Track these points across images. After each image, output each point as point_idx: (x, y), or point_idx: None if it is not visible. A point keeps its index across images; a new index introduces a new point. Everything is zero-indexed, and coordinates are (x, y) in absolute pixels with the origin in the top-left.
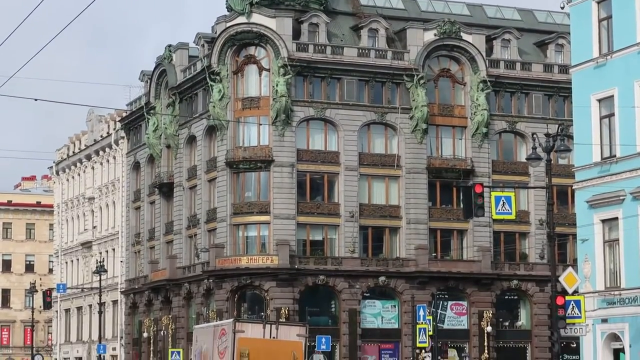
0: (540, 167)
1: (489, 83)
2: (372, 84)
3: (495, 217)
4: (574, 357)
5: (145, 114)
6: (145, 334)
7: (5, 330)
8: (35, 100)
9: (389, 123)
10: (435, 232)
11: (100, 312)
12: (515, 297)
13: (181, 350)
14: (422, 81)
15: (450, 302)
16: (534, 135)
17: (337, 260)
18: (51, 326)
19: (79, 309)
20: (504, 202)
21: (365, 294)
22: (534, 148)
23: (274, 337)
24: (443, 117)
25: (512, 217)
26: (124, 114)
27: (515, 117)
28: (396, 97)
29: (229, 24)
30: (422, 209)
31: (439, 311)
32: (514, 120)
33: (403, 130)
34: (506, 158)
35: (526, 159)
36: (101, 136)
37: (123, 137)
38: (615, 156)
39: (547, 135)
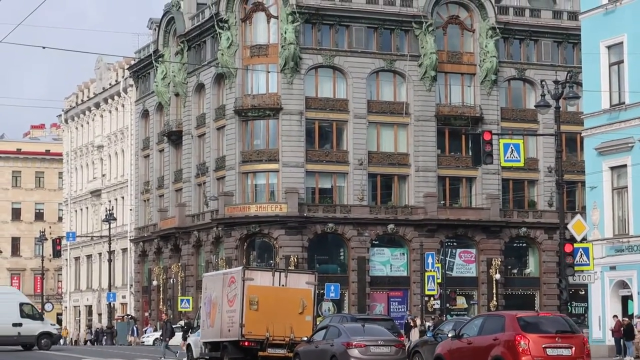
0: (549, 114)
1: (497, 30)
2: (381, 31)
3: (503, 164)
4: (582, 304)
5: (153, 61)
6: (154, 282)
7: (15, 278)
8: (44, 48)
9: (398, 70)
10: (444, 180)
11: (109, 260)
12: (524, 245)
13: (190, 298)
14: (430, 28)
15: (458, 250)
16: (543, 82)
17: (346, 208)
18: (61, 274)
19: (89, 257)
20: (512, 150)
21: (374, 242)
22: (543, 95)
23: (283, 285)
24: (452, 64)
25: (521, 164)
26: (133, 62)
27: (524, 64)
28: (405, 45)
29: None
30: (431, 156)
31: (448, 259)
32: (522, 68)
33: (412, 78)
34: (515, 105)
35: (535, 106)
36: (110, 84)
37: (132, 85)
38: (624, 103)
39: (556, 82)
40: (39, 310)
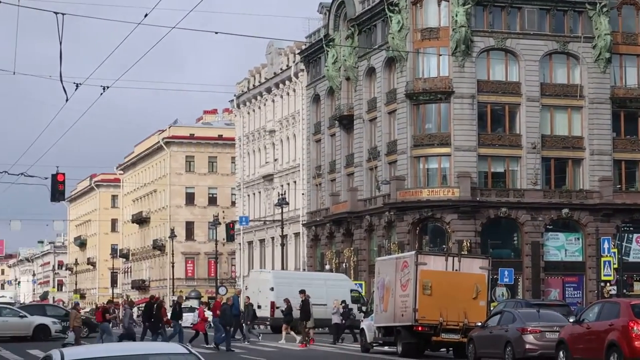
0: None
1: None
2: (554, 13)
3: None
4: None
5: (324, 46)
6: (327, 266)
7: (190, 262)
8: (216, 33)
9: (571, 52)
10: (620, 164)
11: (282, 245)
12: None
13: (363, 282)
14: (605, 9)
15: (635, 235)
16: None
17: (519, 192)
18: (234, 258)
19: (262, 241)
20: None
21: (548, 227)
22: None
23: (456, 270)
24: (627, 45)
25: None
26: (303, 47)
27: None
28: (578, 26)
29: None
30: (606, 139)
31: (624, 244)
32: None
33: (585, 60)
34: None
35: None
36: (281, 69)
37: (302, 70)
38: None
39: None
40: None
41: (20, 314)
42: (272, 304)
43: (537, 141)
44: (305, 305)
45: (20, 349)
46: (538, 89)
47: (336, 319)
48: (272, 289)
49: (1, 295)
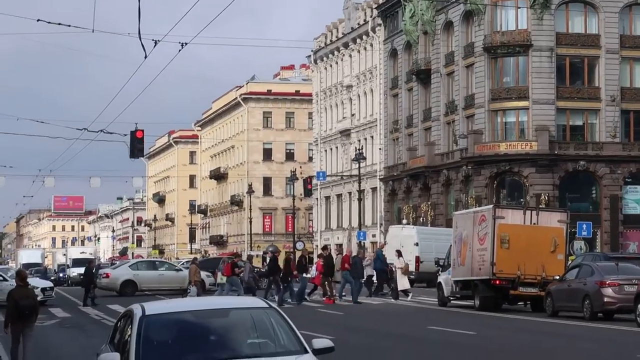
0: None
1: None
2: None
3: None
4: None
5: (402, 0)
6: (404, 221)
7: (267, 217)
8: None
9: None
10: None
11: (359, 200)
12: None
13: None
14: None
15: None
16: None
17: (598, 145)
18: (311, 213)
19: (339, 196)
20: None
21: (627, 180)
22: None
23: (534, 224)
24: None
25: None
26: (381, 1)
27: None
28: None
29: None
30: None
31: None
32: None
33: None
34: None
35: None
36: (358, 24)
37: (380, 25)
38: None
39: None
40: None
41: (176, 268)
42: (417, 259)
43: (617, 94)
44: (329, 260)
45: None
46: (618, 41)
47: (369, 271)
48: (416, 244)
49: (81, 251)
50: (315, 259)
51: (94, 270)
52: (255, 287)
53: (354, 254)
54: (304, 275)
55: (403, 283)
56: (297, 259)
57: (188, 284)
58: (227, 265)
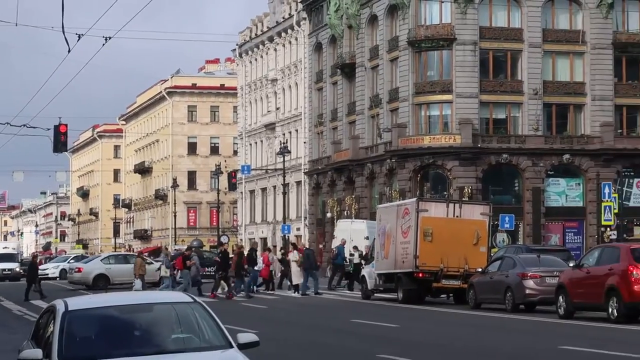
0: None
1: None
2: None
3: None
4: None
5: None
6: (328, 214)
7: (192, 211)
8: None
9: None
10: (621, 109)
11: (284, 193)
12: None
13: None
14: None
15: (636, 180)
16: None
17: (521, 138)
18: (236, 207)
19: (263, 190)
20: None
21: (549, 172)
22: None
23: (457, 216)
24: None
25: None
26: None
27: None
28: None
29: None
30: (608, 85)
31: (625, 189)
32: None
33: (588, 5)
34: None
35: None
36: (283, 18)
37: (305, 19)
38: None
39: None
40: None
41: (147, 261)
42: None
43: (539, 87)
44: (225, 257)
45: None
46: (540, 35)
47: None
48: (366, 237)
49: (4, 246)
50: (260, 253)
51: (38, 265)
52: (201, 281)
53: (307, 246)
54: (254, 268)
55: (298, 277)
56: (247, 253)
57: (134, 278)
58: (178, 259)
